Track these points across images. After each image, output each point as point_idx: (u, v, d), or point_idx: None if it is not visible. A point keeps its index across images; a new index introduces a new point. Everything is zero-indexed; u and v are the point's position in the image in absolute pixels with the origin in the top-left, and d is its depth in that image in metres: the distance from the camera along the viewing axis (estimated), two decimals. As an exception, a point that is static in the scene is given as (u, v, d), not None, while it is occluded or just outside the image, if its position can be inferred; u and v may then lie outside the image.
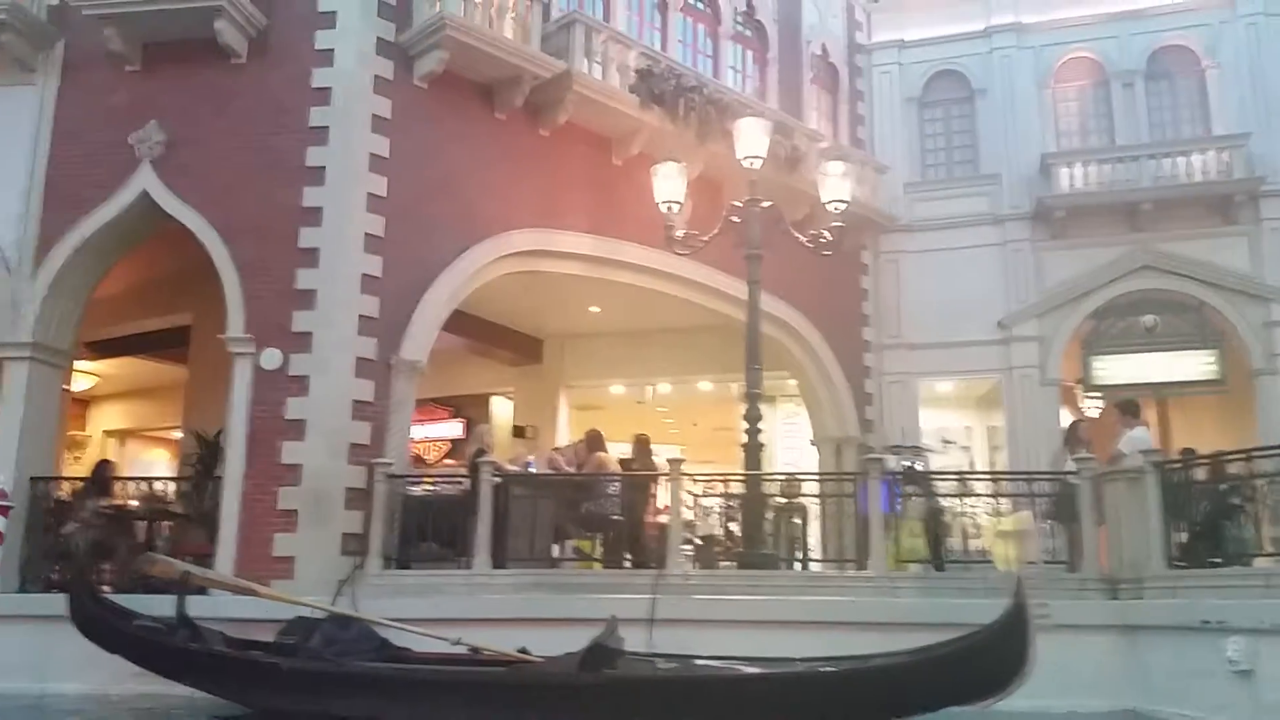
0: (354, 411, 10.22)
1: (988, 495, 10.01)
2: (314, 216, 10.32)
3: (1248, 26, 16.58)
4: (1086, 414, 16.09)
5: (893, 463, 11.64)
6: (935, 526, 10.14)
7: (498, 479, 9.96)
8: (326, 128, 10.48)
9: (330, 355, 10.15)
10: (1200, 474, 9.58)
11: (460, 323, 12.70)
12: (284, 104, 10.61)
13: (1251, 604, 7.69)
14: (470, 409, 17.71)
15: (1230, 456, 9.35)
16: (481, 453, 10.38)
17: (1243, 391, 15.84)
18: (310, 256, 10.27)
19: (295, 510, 9.77)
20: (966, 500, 10.00)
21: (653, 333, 15.85)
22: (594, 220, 12.76)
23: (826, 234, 10.70)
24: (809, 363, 15.87)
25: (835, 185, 10.65)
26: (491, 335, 16.18)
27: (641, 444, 11.40)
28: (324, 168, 10.39)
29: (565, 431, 16.73)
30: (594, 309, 15.20)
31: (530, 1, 11.91)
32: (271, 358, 10.10)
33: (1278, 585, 7.77)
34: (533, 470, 11.63)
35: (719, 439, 17.95)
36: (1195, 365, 16.34)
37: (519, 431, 17.04)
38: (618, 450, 11.70)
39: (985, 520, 10.05)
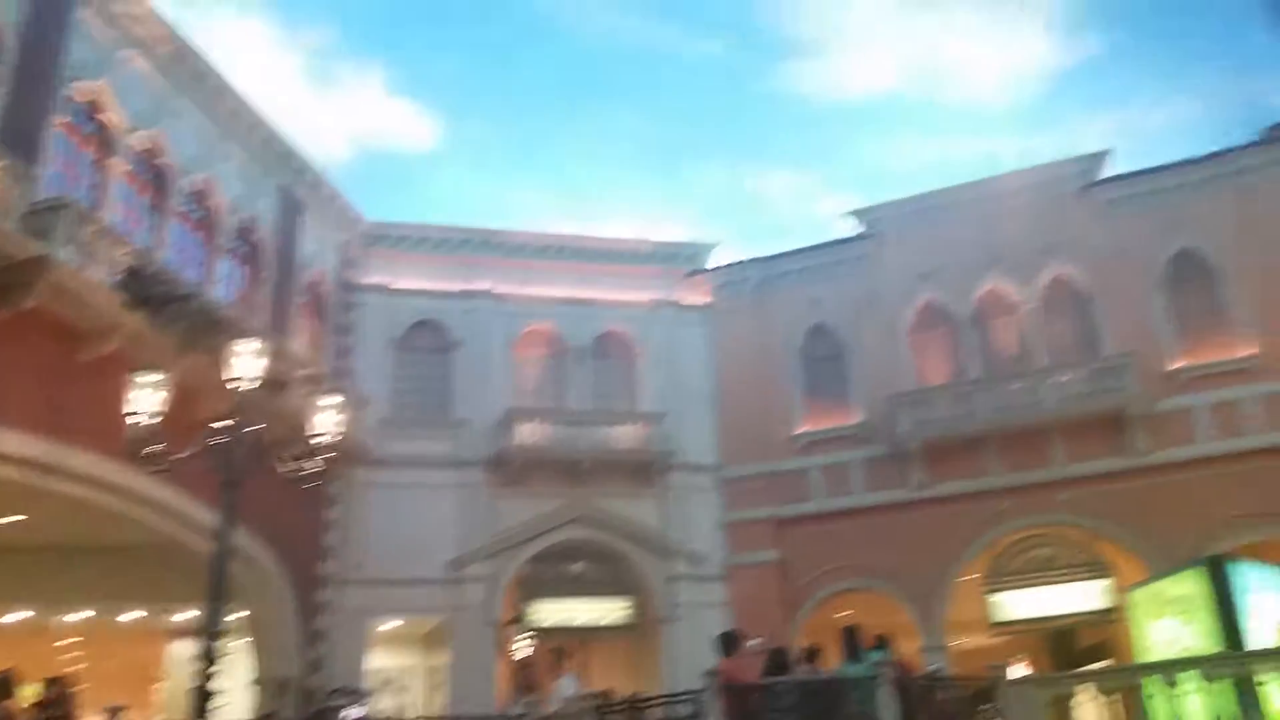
0: None
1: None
2: None
3: (665, 326, 20.28)
4: (518, 654, 17.19)
5: (351, 710, 11.32)
6: None
7: None
8: None
9: None
10: (628, 716, 10.85)
11: None
12: None
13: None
14: None
15: (654, 701, 10.74)
16: None
17: (651, 636, 18.21)
18: None
19: None
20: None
21: (84, 551, 13.90)
22: (43, 420, 11.24)
23: (311, 464, 10.53)
24: (262, 596, 14.99)
25: (326, 418, 10.63)
26: None
27: (60, 688, 9.81)
28: None
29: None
30: (16, 518, 12.99)
31: (12, 179, 10.71)
32: None
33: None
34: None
35: (132, 677, 15.88)
36: (614, 611, 18.59)
37: None
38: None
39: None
